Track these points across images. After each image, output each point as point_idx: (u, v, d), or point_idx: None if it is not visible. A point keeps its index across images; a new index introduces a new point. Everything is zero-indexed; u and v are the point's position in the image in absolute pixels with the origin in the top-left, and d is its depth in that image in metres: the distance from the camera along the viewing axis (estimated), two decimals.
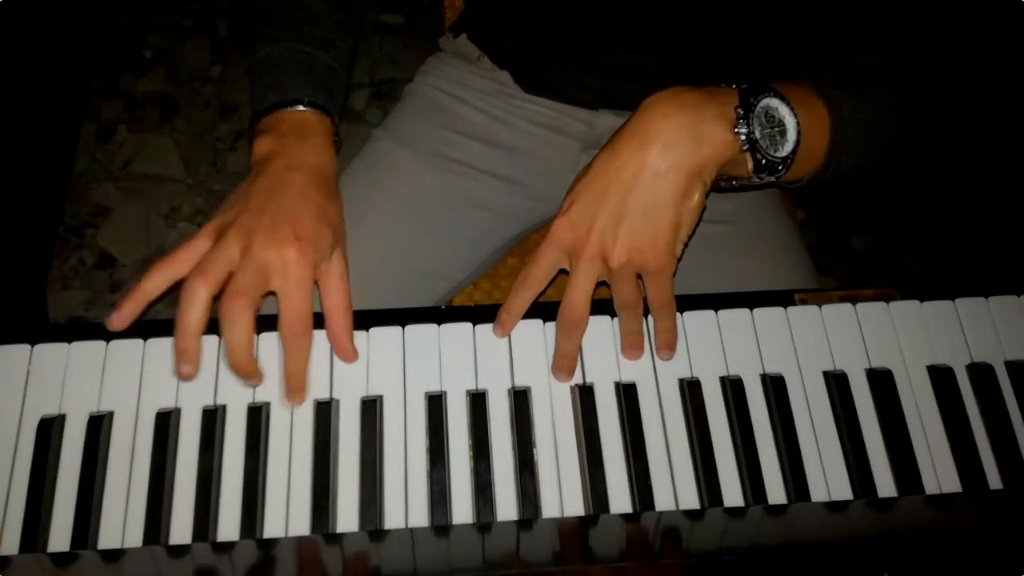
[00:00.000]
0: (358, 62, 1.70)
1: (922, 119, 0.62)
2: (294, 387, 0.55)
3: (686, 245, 0.55)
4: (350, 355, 0.57)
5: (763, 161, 0.54)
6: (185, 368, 0.53)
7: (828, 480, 0.54)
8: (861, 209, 1.57)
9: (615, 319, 0.58)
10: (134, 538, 0.51)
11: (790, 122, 0.55)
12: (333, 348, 0.57)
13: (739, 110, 0.54)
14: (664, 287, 0.55)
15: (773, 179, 0.56)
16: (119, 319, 0.55)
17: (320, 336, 0.57)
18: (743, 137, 0.53)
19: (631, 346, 0.57)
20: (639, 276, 0.55)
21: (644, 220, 0.53)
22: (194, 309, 0.53)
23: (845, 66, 0.62)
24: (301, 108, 0.63)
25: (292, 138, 0.61)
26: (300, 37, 0.67)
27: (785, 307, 0.60)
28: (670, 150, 0.52)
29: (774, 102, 0.55)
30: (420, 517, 0.52)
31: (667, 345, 0.57)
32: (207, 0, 1.75)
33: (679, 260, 0.55)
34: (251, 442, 0.54)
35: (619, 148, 0.54)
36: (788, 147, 0.55)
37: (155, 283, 0.55)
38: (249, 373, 0.54)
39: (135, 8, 1.74)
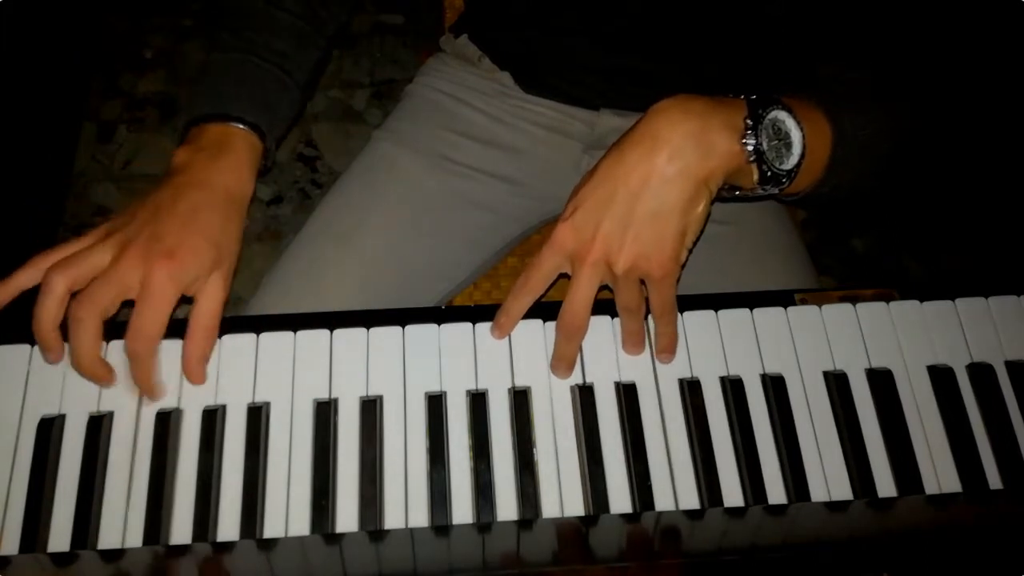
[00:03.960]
0: (359, 61, 1.71)
1: (921, 139, 0.62)
2: (146, 392, 0.55)
3: (690, 252, 0.55)
4: (194, 375, 0.56)
5: (768, 173, 0.55)
6: (48, 356, 0.55)
7: (828, 480, 0.54)
8: (861, 209, 1.57)
9: (615, 319, 0.58)
10: (134, 538, 0.51)
11: (796, 136, 0.55)
12: (182, 363, 0.56)
13: (748, 121, 0.53)
14: (667, 293, 0.55)
15: (776, 191, 0.56)
16: None
17: (317, 336, 0.57)
18: (750, 148, 0.53)
19: (633, 344, 0.57)
20: (642, 280, 0.55)
21: (651, 227, 0.52)
22: (48, 300, 0.53)
23: (847, 84, 0.62)
24: (229, 124, 0.62)
25: (207, 153, 0.60)
26: (252, 47, 0.66)
27: (785, 307, 0.60)
28: (678, 157, 0.52)
29: (782, 115, 0.55)
30: (420, 517, 0.52)
31: (668, 349, 0.57)
32: (207, 0, 1.75)
33: (683, 267, 0.55)
34: (251, 442, 0.54)
35: (626, 154, 0.53)
36: (793, 160, 0.55)
37: (28, 276, 0.55)
38: (97, 377, 0.54)
39: (135, 8, 1.74)
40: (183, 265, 0.54)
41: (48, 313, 0.53)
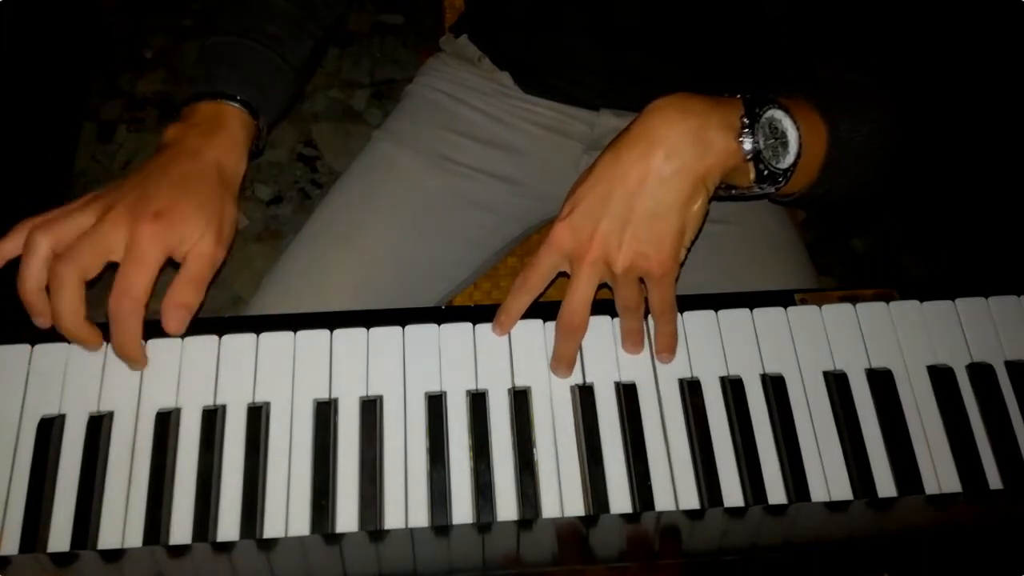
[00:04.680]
0: (359, 61, 1.71)
1: (917, 142, 0.62)
2: (127, 358, 0.54)
3: (688, 250, 0.55)
4: (171, 320, 0.55)
5: (765, 172, 0.55)
6: (37, 320, 0.54)
7: (828, 480, 0.54)
8: (861, 209, 1.57)
9: (615, 319, 0.58)
10: (134, 538, 0.51)
11: (792, 135, 0.55)
12: (162, 307, 0.55)
13: (744, 120, 0.53)
14: (667, 292, 0.55)
15: (772, 190, 0.56)
16: None
17: (317, 336, 0.57)
18: (747, 147, 0.53)
19: (632, 343, 0.57)
20: (640, 279, 0.55)
21: (649, 225, 0.53)
22: (31, 260, 0.53)
23: (844, 85, 0.62)
24: (221, 101, 0.62)
25: (201, 128, 0.60)
26: (248, 32, 0.66)
27: (785, 307, 0.60)
28: (675, 156, 0.52)
29: (778, 114, 0.55)
30: (420, 517, 0.52)
31: (667, 349, 0.57)
32: (207, 0, 1.75)
33: (681, 265, 0.55)
34: (251, 442, 0.54)
35: (623, 153, 0.53)
36: (789, 159, 0.55)
37: (14, 243, 0.55)
38: (81, 339, 0.54)
39: (135, 8, 1.74)
40: (169, 226, 0.54)
41: (32, 273, 0.53)
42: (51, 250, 0.53)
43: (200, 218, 0.56)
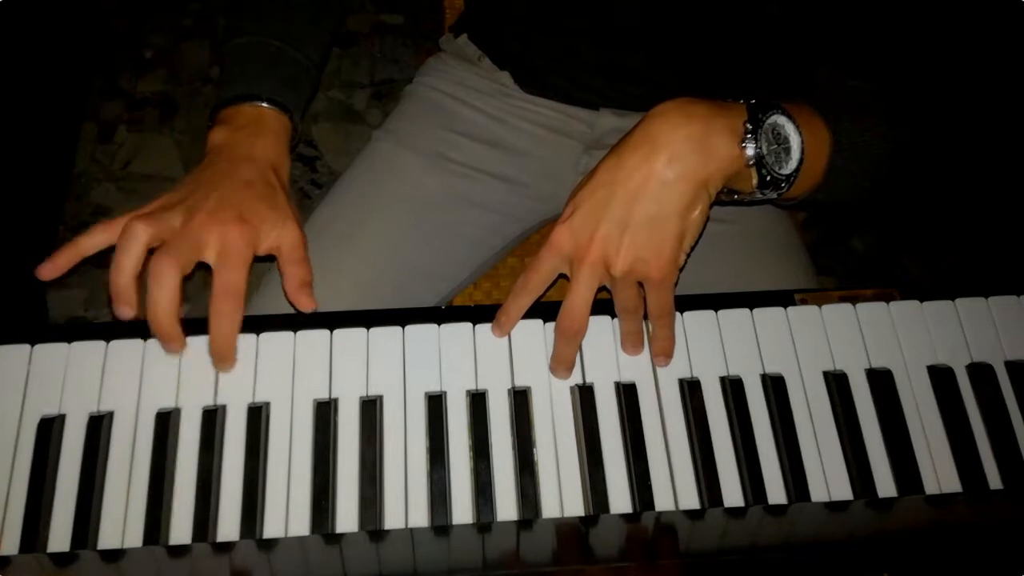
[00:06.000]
0: (359, 61, 1.71)
1: (919, 148, 0.62)
2: (220, 354, 0.56)
3: (688, 255, 0.55)
4: (302, 301, 0.59)
5: (768, 177, 0.55)
6: (123, 310, 0.55)
7: (828, 480, 0.54)
8: (862, 210, 1.57)
9: (616, 319, 0.58)
10: (134, 538, 0.51)
11: (795, 141, 0.55)
12: (287, 294, 0.59)
13: (747, 125, 0.53)
14: (665, 297, 0.55)
15: (775, 195, 0.57)
16: (52, 268, 0.56)
17: (317, 336, 0.57)
18: (750, 152, 0.53)
19: (632, 344, 0.57)
20: (640, 283, 0.55)
21: (649, 230, 0.52)
22: (131, 246, 0.54)
23: (846, 91, 0.62)
24: (260, 104, 0.64)
25: (247, 131, 0.63)
26: (272, 31, 0.68)
27: (785, 307, 0.60)
28: (678, 161, 0.52)
29: (781, 119, 0.55)
30: (420, 517, 0.52)
31: (664, 352, 0.57)
32: (207, 0, 1.75)
33: (680, 270, 0.55)
34: (251, 442, 0.54)
35: (625, 156, 0.53)
36: (792, 165, 0.55)
37: (93, 240, 0.57)
38: (168, 335, 0.55)
39: (135, 8, 1.74)
40: (254, 229, 0.57)
41: (130, 259, 0.54)
42: (149, 241, 0.55)
43: (277, 215, 0.60)
